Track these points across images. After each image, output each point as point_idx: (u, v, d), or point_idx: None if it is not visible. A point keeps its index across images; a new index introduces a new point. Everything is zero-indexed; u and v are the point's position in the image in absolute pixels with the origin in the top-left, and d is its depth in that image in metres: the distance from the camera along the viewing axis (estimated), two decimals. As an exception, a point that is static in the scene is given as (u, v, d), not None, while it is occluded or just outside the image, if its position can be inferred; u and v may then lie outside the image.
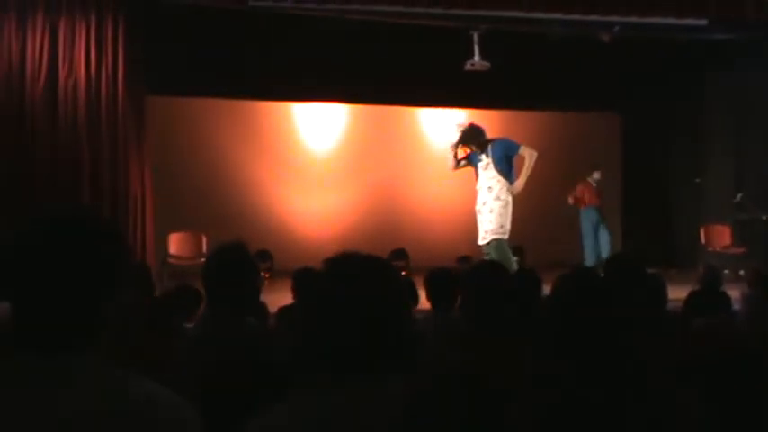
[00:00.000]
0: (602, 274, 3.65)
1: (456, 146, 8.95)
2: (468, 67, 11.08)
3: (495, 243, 8.61)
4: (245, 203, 13.06)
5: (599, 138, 14.59)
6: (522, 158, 8.80)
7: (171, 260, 11.29)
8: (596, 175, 12.74)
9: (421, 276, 4.74)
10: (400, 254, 10.45)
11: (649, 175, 14.47)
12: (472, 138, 8.91)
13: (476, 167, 8.97)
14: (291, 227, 12.97)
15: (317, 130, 13.47)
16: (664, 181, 14.53)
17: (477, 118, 12.75)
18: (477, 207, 8.86)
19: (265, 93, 12.93)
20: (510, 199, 8.72)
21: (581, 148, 14.19)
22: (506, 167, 8.78)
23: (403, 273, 9.79)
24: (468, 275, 3.68)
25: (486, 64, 11.02)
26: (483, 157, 8.89)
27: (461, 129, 8.97)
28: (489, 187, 8.75)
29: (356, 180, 13.17)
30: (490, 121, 13.44)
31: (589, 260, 12.29)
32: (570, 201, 12.75)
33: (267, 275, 10.43)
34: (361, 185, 13.09)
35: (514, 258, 8.69)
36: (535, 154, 8.74)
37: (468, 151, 8.88)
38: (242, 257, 3.34)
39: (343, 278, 1.84)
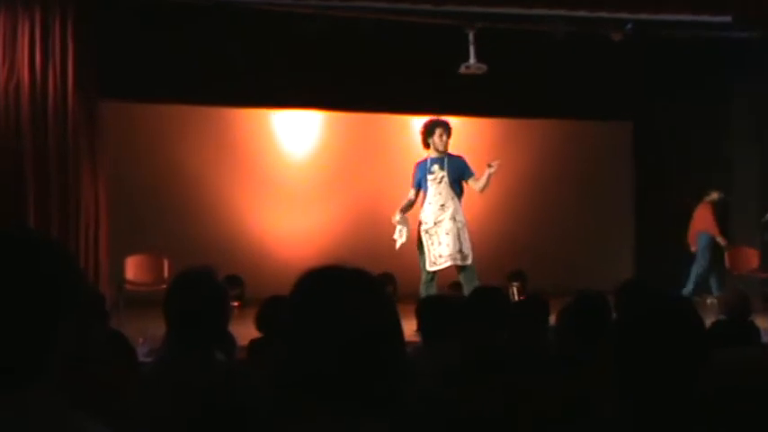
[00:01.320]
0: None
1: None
2: (462, 69, 11.05)
3: (471, 269, 8.55)
4: (213, 223, 12.78)
5: (608, 149, 14.48)
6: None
7: (128, 286, 11.18)
8: (715, 196, 12.55)
9: (411, 304, 4.72)
10: (387, 279, 10.38)
11: (666, 190, 14.06)
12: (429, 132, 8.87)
13: (422, 179, 8.87)
14: (265, 249, 12.73)
15: (293, 139, 13.27)
16: (682, 197, 14.37)
17: (473, 126, 12.73)
18: (425, 227, 8.70)
19: (236, 98, 12.71)
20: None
21: (588, 161, 14.09)
22: (459, 190, 8.82)
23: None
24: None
25: (483, 66, 10.98)
26: (436, 168, 8.75)
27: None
28: (442, 204, 8.61)
29: (338, 196, 12.99)
30: (487, 129, 13.46)
31: (690, 287, 12.13)
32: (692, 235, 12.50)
33: (237, 304, 10.32)
34: (344, 202, 13.02)
35: (515, 284, 8.77)
36: (484, 188, 8.77)
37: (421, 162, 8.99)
38: (209, 284, 3.32)
39: (322, 293, 1.82)
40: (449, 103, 11.84)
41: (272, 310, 4.75)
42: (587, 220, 14.07)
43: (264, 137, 13.37)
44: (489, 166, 8.53)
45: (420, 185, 8.83)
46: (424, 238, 8.60)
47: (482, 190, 8.68)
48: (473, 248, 8.66)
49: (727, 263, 12.41)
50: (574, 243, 13.74)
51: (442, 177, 8.62)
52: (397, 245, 8.69)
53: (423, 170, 8.82)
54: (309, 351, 1.76)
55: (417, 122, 13.46)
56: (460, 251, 8.46)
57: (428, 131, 8.79)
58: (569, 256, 13.41)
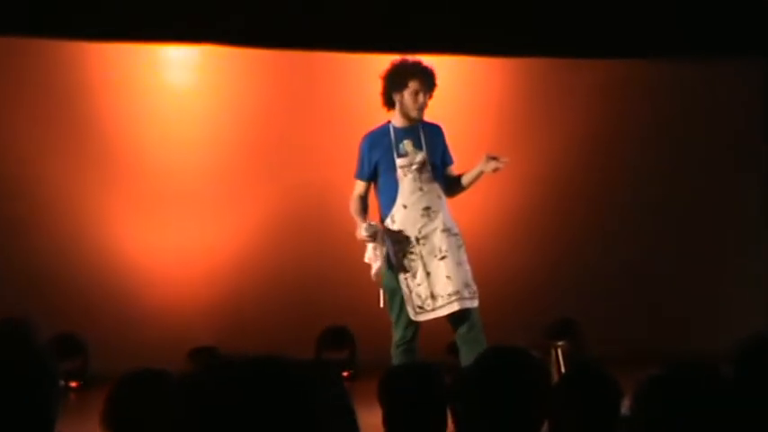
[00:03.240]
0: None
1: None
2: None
3: (477, 316, 5.64)
4: (39, 241, 8.04)
5: (722, 106, 9.27)
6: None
7: None
8: None
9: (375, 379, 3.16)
10: (339, 337, 7.81)
11: None
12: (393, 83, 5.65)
13: (380, 162, 5.65)
14: (128, 284, 8.20)
15: (183, 95, 8.49)
16: None
17: (473, 68, 9.06)
18: (397, 248, 5.59)
19: (82, 27, 7.90)
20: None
21: (687, 124, 9.15)
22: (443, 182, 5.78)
23: (345, 374, 7.42)
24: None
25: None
26: (408, 145, 5.63)
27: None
28: (427, 207, 5.59)
29: (257, 190, 8.55)
30: (492, 73, 9.19)
31: None
32: None
33: (76, 385, 7.41)
34: (267, 199, 8.60)
35: (558, 344, 7.05)
36: (467, 187, 5.83)
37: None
38: (18, 351, 2.26)
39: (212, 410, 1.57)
40: (430, 36, 8.25)
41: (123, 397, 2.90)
42: (689, 227, 9.08)
43: (132, 91, 8.39)
44: (489, 159, 5.60)
45: (374, 175, 5.66)
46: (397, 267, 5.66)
47: (463, 189, 5.79)
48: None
49: None
50: (665, 271, 8.93)
51: (422, 162, 5.59)
52: (374, 271, 5.62)
53: (382, 148, 5.64)
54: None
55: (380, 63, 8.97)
56: (467, 285, 5.56)
57: (394, 82, 5.61)
58: (658, 293, 8.87)
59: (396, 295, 5.62)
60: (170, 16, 8.09)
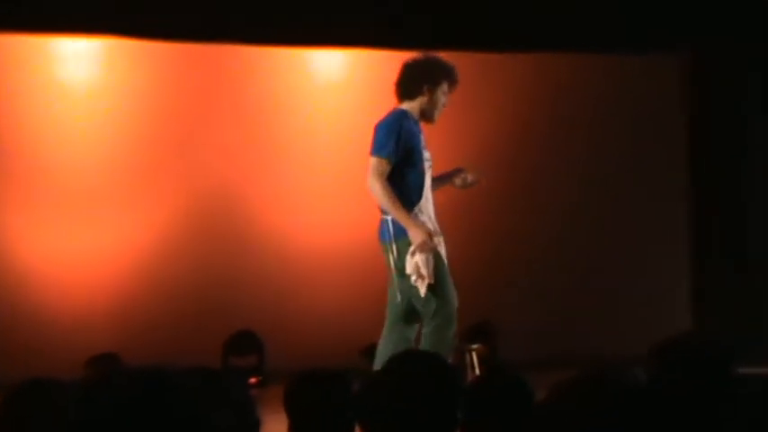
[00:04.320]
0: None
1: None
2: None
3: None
4: None
5: (640, 95, 9.27)
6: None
7: None
8: None
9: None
10: (246, 343, 7.81)
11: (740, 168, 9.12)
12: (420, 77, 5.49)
13: (415, 149, 5.48)
14: (22, 289, 7.94)
15: (82, 90, 8.23)
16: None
17: (393, 62, 9.10)
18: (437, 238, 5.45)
19: None
20: None
21: (605, 118, 9.17)
22: None
23: (252, 380, 7.28)
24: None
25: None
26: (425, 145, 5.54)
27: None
28: (432, 204, 5.57)
29: (160, 190, 8.29)
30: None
31: None
32: None
33: None
34: (170, 199, 8.34)
35: (473, 347, 7.01)
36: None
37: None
38: None
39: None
40: (341, 28, 8.32)
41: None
42: (606, 227, 9.07)
43: (28, 85, 8.15)
44: (458, 173, 5.69)
45: (402, 159, 5.34)
46: (408, 256, 5.32)
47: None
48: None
49: None
50: (583, 273, 8.93)
51: (431, 163, 5.54)
52: (423, 289, 5.31)
53: (415, 135, 5.42)
54: None
55: (312, 58, 8.84)
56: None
57: (431, 75, 5.46)
58: (577, 296, 8.84)
59: (444, 280, 5.40)
60: (68, 7, 7.78)
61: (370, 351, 6.15)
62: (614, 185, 9.06)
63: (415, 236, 5.22)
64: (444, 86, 5.47)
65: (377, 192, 5.29)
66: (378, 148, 5.31)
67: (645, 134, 9.19)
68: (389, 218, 5.31)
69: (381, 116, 5.50)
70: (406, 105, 5.47)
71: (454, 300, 5.38)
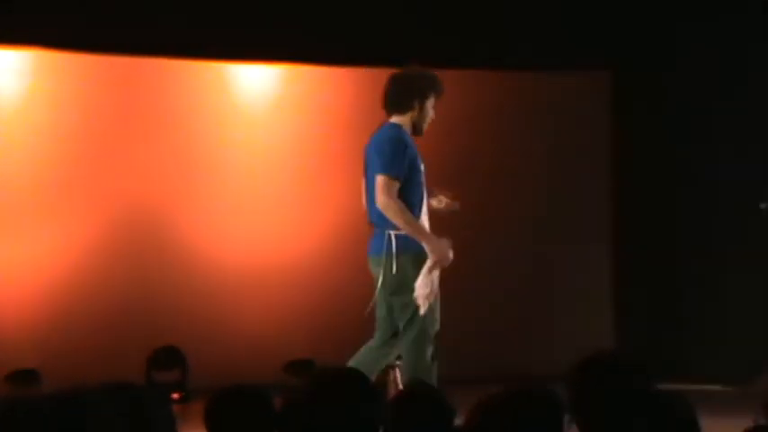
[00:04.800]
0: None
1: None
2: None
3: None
4: None
5: (570, 110, 9.38)
6: None
7: None
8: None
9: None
10: (169, 358, 7.72)
11: (662, 181, 9.18)
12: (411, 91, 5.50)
13: (414, 164, 5.44)
14: None
15: (4, 104, 8.08)
16: (692, 195, 8.97)
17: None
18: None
19: None
20: None
21: (536, 132, 9.27)
22: None
23: (175, 396, 7.26)
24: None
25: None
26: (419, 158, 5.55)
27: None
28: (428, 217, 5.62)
29: (84, 206, 8.18)
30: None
31: None
32: None
33: None
34: (93, 213, 8.24)
35: (395, 364, 7.01)
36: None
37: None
38: None
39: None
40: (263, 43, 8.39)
41: None
42: (532, 240, 9.12)
43: None
44: (433, 194, 5.63)
45: (405, 173, 5.36)
46: (425, 271, 5.31)
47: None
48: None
49: None
50: (512, 288, 8.89)
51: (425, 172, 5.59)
52: (424, 308, 5.36)
53: (413, 149, 5.44)
54: None
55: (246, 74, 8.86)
56: None
57: (419, 87, 5.49)
58: (502, 311, 8.82)
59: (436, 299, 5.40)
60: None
61: (293, 367, 6.20)
62: (541, 202, 9.15)
63: (440, 252, 5.28)
64: (432, 99, 5.50)
65: (393, 211, 5.27)
66: (387, 167, 5.29)
67: (571, 149, 9.31)
68: (392, 232, 5.31)
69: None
70: (396, 119, 5.48)
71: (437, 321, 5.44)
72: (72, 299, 8.04)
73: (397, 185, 5.30)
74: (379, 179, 5.30)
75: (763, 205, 8.03)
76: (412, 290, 5.30)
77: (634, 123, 9.39)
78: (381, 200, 5.27)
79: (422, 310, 5.31)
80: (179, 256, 8.42)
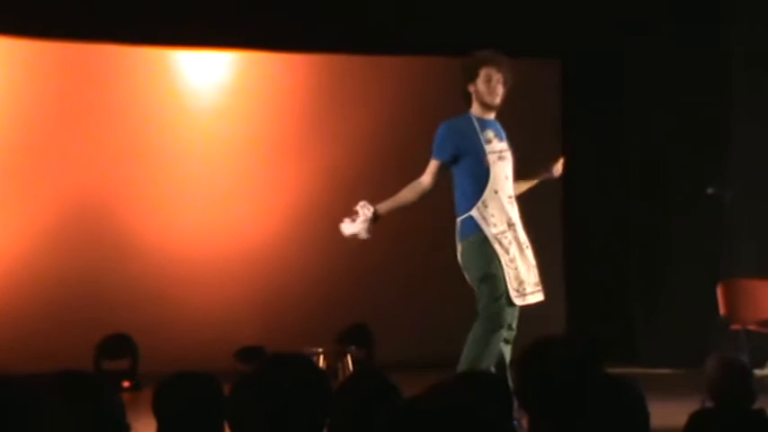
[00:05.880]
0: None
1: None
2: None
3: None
4: None
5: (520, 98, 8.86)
6: None
7: None
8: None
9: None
10: (120, 346, 7.56)
11: (611, 168, 9.35)
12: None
13: (469, 148, 5.68)
14: None
15: None
16: (646, 187, 9.08)
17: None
18: (495, 231, 5.61)
19: None
20: None
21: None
22: None
23: (125, 384, 7.28)
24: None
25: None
26: (491, 135, 5.74)
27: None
28: (510, 197, 5.79)
29: (31, 195, 8.11)
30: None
31: None
32: None
33: None
34: (42, 204, 8.15)
35: (349, 349, 7.00)
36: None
37: None
38: None
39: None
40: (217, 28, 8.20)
41: None
42: None
43: None
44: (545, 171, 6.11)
45: (453, 160, 5.65)
46: (498, 249, 5.55)
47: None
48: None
49: (720, 308, 7.82)
50: (461, 272, 8.28)
51: (505, 152, 5.76)
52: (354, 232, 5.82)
53: (465, 134, 5.68)
54: None
55: (182, 59, 8.74)
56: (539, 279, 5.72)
57: (465, 74, 5.73)
58: (452, 295, 7.78)
59: (492, 278, 5.53)
60: None
61: (244, 354, 6.18)
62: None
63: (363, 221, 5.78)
64: (483, 73, 5.72)
65: (411, 187, 5.83)
66: (434, 150, 5.73)
67: (519, 136, 9.27)
68: (457, 219, 5.64)
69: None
70: (470, 109, 5.78)
71: (503, 300, 5.51)
72: (20, 288, 7.94)
73: (433, 164, 5.68)
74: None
75: (709, 191, 8.14)
76: (475, 269, 5.57)
77: (583, 111, 9.47)
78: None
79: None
80: (130, 245, 8.31)
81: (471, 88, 5.72)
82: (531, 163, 9.50)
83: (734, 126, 8.80)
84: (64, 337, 7.51)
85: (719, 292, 7.86)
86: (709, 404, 3.91)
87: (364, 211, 5.74)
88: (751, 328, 7.76)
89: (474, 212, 5.58)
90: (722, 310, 7.77)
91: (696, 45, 8.88)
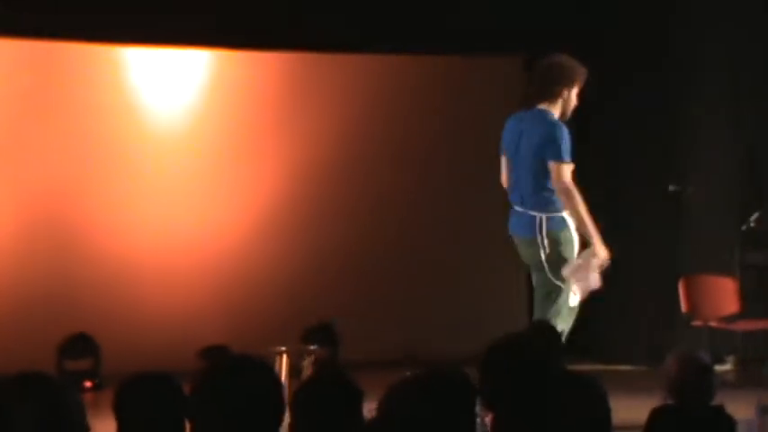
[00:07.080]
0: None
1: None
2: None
3: None
4: None
5: (482, 97, 9.19)
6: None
7: None
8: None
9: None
10: (81, 345, 7.56)
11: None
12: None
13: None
14: None
15: None
16: (605, 183, 8.83)
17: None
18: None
19: None
20: None
21: (449, 114, 9.14)
22: None
23: (87, 384, 7.26)
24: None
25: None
26: None
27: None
28: None
29: None
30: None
31: None
32: None
33: None
34: (5, 200, 8.07)
35: (311, 350, 6.94)
36: None
37: None
38: None
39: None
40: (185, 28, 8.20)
41: None
42: (450, 226, 8.99)
43: None
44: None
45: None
46: (578, 245, 5.74)
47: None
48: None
49: (682, 304, 7.92)
50: (432, 268, 8.86)
51: None
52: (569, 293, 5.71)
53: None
54: None
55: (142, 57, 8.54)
56: None
57: (568, 76, 5.75)
58: (417, 294, 8.73)
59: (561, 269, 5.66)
60: None
61: (208, 353, 6.15)
62: (450, 186, 9.14)
63: (602, 247, 5.66)
64: (579, 85, 5.78)
65: (573, 198, 5.57)
66: (563, 153, 5.56)
67: (484, 132, 9.28)
68: (544, 215, 5.62)
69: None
70: (544, 106, 5.73)
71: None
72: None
73: (571, 169, 5.62)
74: (556, 166, 5.56)
75: (671, 188, 8.24)
76: (564, 264, 5.63)
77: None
78: (562, 185, 5.57)
79: (572, 298, 5.65)
80: (92, 243, 8.24)
81: (565, 93, 5.74)
82: (492, 160, 9.59)
83: (694, 122, 8.88)
84: (25, 338, 7.43)
85: (681, 288, 7.95)
86: (669, 401, 3.95)
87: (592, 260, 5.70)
88: (712, 324, 7.87)
89: (564, 213, 5.68)
90: (684, 307, 7.88)
91: (654, 43, 8.96)
